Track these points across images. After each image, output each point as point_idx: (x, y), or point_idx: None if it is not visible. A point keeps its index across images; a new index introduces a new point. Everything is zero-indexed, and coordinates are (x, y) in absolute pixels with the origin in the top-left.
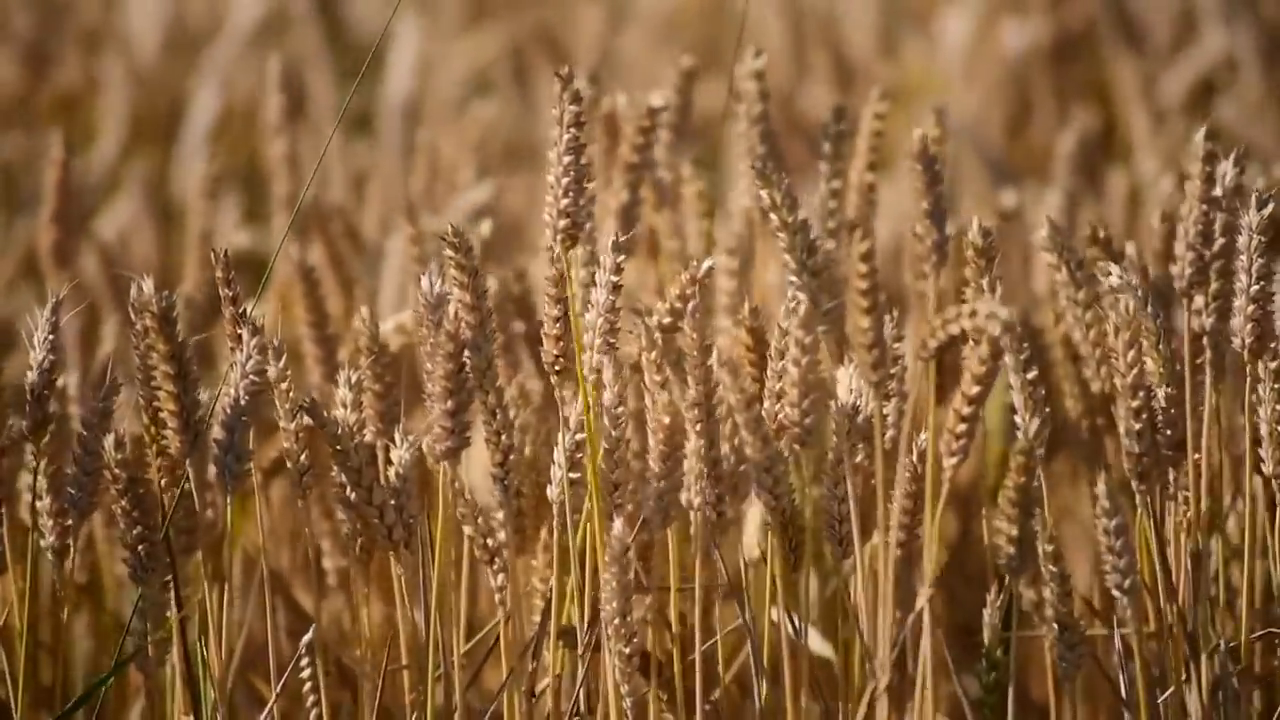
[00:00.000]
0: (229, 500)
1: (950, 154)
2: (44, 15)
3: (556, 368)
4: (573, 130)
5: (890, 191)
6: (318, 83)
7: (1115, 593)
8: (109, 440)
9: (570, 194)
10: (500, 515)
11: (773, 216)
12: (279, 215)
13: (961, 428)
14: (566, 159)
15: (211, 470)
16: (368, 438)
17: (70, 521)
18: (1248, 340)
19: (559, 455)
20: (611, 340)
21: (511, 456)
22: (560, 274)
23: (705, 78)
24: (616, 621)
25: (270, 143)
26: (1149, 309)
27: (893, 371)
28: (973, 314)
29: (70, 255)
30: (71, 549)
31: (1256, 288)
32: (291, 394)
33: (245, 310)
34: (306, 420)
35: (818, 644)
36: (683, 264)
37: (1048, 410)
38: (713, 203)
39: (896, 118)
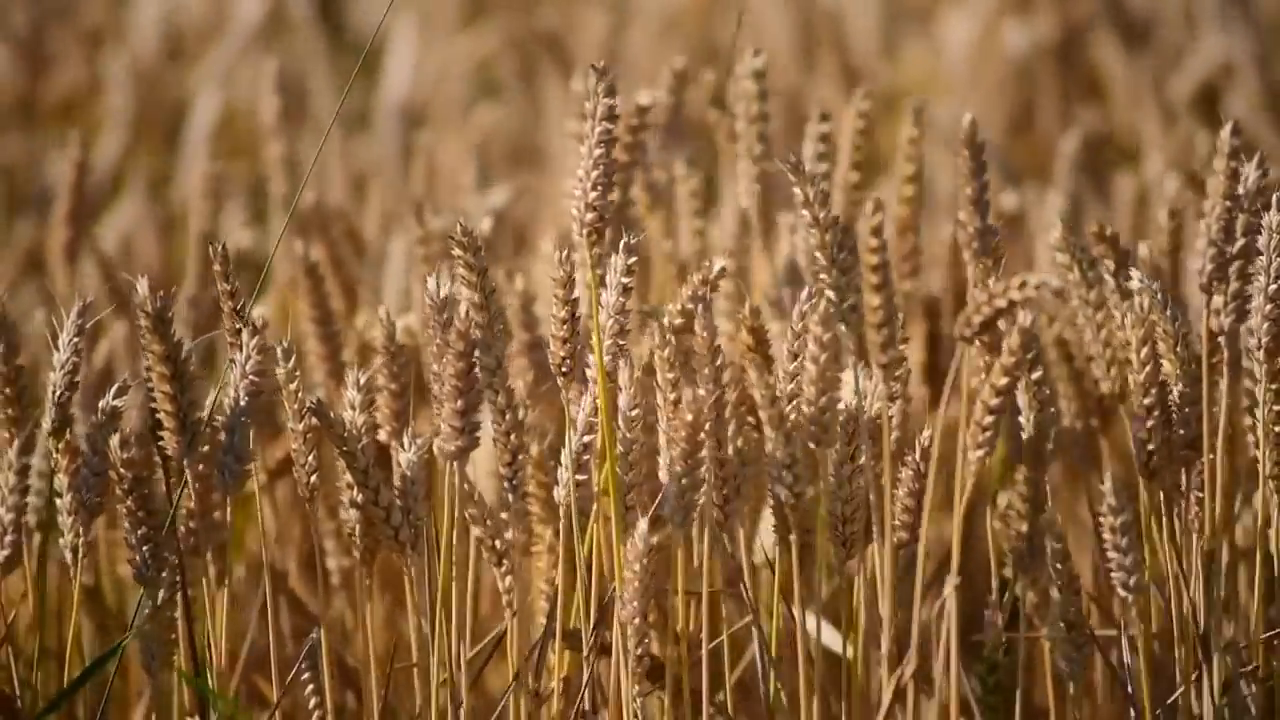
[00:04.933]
0: (229, 501)
1: (953, 155)
2: (45, 15)
3: (564, 369)
4: (605, 124)
5: (885, 194)
6: (318, 84)
7: (1121, 591)
8: (114, 440)
9: (599, 188)
10: (508, 515)
11: (804, 212)
12: (277, 216)
13: (988, 420)
14: (597, 152)
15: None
16: (377, 438)
17: (81, 522)
18: (1264, 340)
19: (566, 457)
20: (621, 341)
21: (520, 456)
22: (568, 275)
23: (706, 77)
24: (637, 622)
25: (267, 144)
26: (1168, 311)
27: (898, 374)
28: (1023, 285)
29: (79, 254)
30: (80, 550)
31: (1275, 287)
32: (299, 395)
33: (244, 307)
34: (313, 421)
35: (829, 637)
36: (676, 265)
37: (1052, 410)
38: (707, 203)
39: (897, 119)
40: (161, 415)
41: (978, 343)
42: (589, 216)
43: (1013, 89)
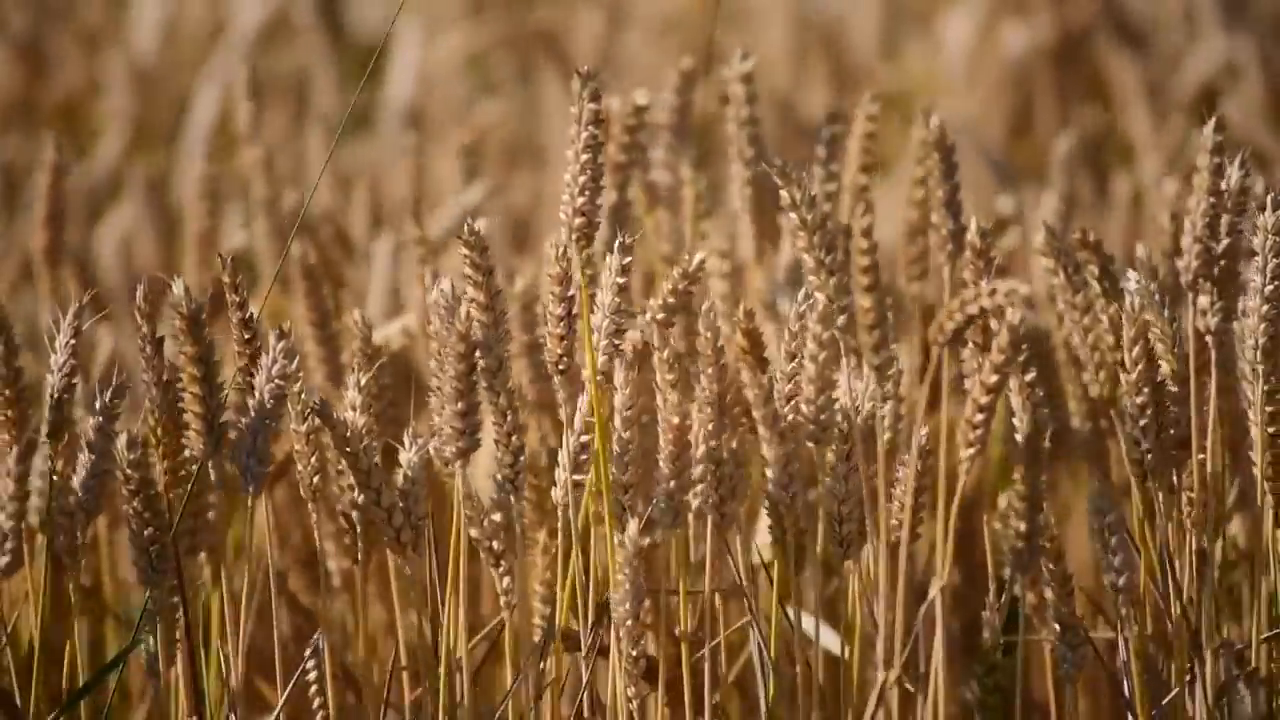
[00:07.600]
0: (250, 502)
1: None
2: (45, 16)
3: (560, 367)
4: (591, 128)
5: (887, 196)
6: (322, 85)
7: (1112, 591)
8: (121, 441)
9: (586, 193)
10: (506, 517)
11: (791, 215)
12: (260, 220)
13: (979, 418)
14: (584, 157)
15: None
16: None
17: (79, 524)
18: (1261, 342)
19: (563, 457)
20: (617, 341)
21: (521, 458)
22: (564, 273)
23: (705, 79)
24: (629, 623)
25: (244, 149)
26: (1165, 312)
27: (890, 374)
28: (993, 293)
29: (63, 258)
30: (79, 552)
31: (1271, 287)
32: (301, 396)
33: (252, 315)
34: (315, 422)
35: (828, 638)
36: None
37: (1046, 411)
38: (710, 204)
39: (897, 120)
40: (189, 415)
41: (971, 344)
42: (578, 221)
43: (1012, 90)
